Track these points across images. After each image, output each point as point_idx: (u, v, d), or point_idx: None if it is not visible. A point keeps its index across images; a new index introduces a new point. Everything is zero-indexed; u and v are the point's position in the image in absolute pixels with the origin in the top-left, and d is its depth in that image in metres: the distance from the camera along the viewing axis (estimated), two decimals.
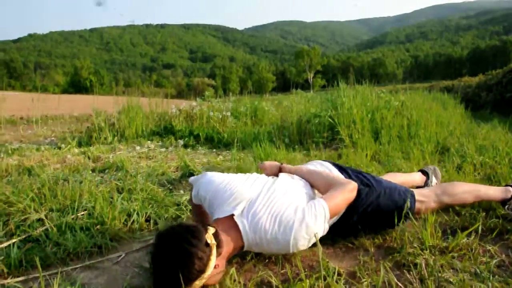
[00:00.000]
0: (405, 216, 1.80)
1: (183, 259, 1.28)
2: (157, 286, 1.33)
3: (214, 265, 1.34)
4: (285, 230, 1.46)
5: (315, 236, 1.48)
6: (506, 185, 2.13)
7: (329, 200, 1.58)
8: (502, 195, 2.04)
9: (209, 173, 1.72)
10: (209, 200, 1.63)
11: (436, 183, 2.44)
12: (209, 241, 1.33)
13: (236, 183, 1.61)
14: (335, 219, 1.74)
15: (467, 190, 2.05)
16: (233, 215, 1.50)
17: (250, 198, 1.56)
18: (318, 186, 1.76)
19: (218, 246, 1.37)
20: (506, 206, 2.00)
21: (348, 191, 1.66)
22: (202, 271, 1.29)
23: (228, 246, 1.44)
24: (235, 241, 1.47)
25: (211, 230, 1.39)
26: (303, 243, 1.49)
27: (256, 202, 1.54)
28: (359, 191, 1.78)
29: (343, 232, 1.84)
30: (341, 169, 1.99)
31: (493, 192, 2.06)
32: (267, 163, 1.98)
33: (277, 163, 1.96)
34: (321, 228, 1.52)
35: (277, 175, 1.85)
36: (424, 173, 2.50)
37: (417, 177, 2.47)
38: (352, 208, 1.76)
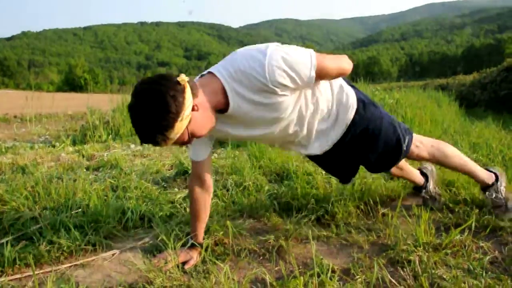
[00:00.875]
0: (399, 153, 1.81)
1: (156, 100, 1.25)
2: (141, 136, 1.31)
3: (192, 105, 1.32)
4: (259, 51, 1.39)
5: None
6: (487, 169, 2.09)
7: (320, 55, 1.48)
8: (485, 177, 2.02)
9: None
10: None
11: (434, 187, 2.36)
12: (180, 81, 1.30)
13: None
14: (322, 95, 1.65)
15: (458, 155, 2.00)
16: (210, 72, 1.46)
17: None
18: None
19: (192, 88, 1.34)
20: (487, 193, 2.01)
21: (344, 59, 1.57)
22: (178, 111, 1.27)
23: (204, 92, 1.40)
24: (212, 88, 1.43)
25: (183, 76, 1.35)
26: (282, 74, 1.37)
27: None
28: (363, 103, 1.74)
29: (334, 157, 1.82)
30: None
31: (479, 170, 2.03)
32: None
33: None
34: (306, 66, 1.41)
35: None
36: (423, 174, 2.39)
37: (417, 175, 2.35)
38: (353, 122, 1.72)
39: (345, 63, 1.57)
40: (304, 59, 1.43)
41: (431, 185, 2.34)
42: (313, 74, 1.44)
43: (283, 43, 1.46)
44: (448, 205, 2.18)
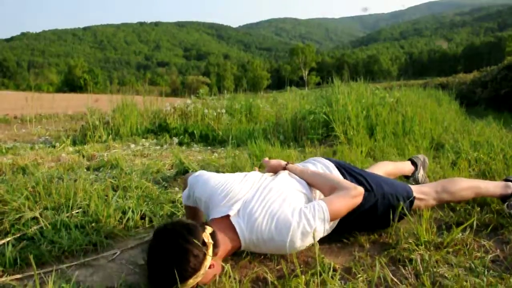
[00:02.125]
0: (400, 217, 1.80)
1: (178, 256, 1.27)
2: (152, 282, 1.33)
3: (210, 264, 1.33)
4: (281, 231, 1.44)
5: (313, 235, 1.46)
6: (506, 180, 2.09)
7: (330, 203, 1.54)
8: (501, 191, 2.00)
9: (205, 174, 1.71)
10: (204, 201, 1.62)
11: (423, 175, 2.45)
12: (206, 240, 1.33)
13: (232, 183, 1.60)
14: (335, 222, 1.71)
15: (467, 187, 2.01)
16: (228, 215, 1.49)
17: (245, 197, 1.55)
18: (322, 189, 1.72)
19: (215, 246, 1.37)
20: (506, 204, 1.96)
21: (352, 196, 1.60)
22: (196, 269, 1.29)
23: (224, 246, 1.43)
24: (231, 241, 1.47)
25: (209, 230, 1.38)
26: (300, 244, 1.47)
27: (252, 201, 1.53)
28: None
29: (337, 231, 1.82)
30: (342, 170, 1.93)
31: (493, 188, 2.03)
32: (273, 160, 1.92)
33: (282, 163, 1.89)
34: (320, 229, 1.50)
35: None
36: (413, 163, 2.51)
37: (406, 167, 2.48)
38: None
39: (353, 200, 1.61)
40: (320, 225, 1.49)
41: (419, 174, 2.43)
42: (327, 227, 1.54)
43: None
44: (449, 203, 2.18)
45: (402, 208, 1.79)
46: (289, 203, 1.53)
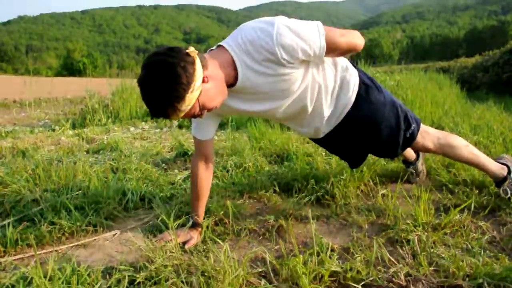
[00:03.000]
0: (404, 143, 1.79)
1: (166, 72, 1.25)
2: (153, 112, 1.32)
3: (202, 77, 1.31)
4: (267, 23, 1.39)
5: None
6: (499, 161, 2.05)
7: (329, 28, 1.46)
8: (497, 170, 1.96)
9: None
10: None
11: (422, 164, 2.42)
12: (189, 52, 1.31)
13: None
14: (335, 63, 1.64)
15: (466, 146, 1.93)
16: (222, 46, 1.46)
17: None
18: None
19: (202, 60, 1.34)
20: (502, 188, 1.95)
21: (356, 34, 1.53)
22: (189, 81, 1.26)
23: (213, 65, 1.39)
24: (221, 60, 1.42)
25: (192, 48, 1.35)
26: (291, 43, 1.37)
27: None
28: (366, 86, 1.72)
29: (344, 143, 1.82)
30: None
31: (490, 163, 1.97)
32: None
33: None
34: (313, 33, 1.41)
35: None
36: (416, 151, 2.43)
37: (411, 153, 2.38)
38: (354, 105, 1.69)
39: (356, 38, 1.53)
40: (312, 28, 1.42)
41: (420, 162, 2.38)
42: (324, 43, 1.42)
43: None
44: (447, 186, 2.19)
45: (412, 132, 1.77)
46: None
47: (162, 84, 1.25)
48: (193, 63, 1.29)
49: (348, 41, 1.50)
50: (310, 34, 1.41)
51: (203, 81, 1.32)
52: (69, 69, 71.00)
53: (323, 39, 1.42)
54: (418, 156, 2.39)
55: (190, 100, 1.29)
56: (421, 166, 2.40)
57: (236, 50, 1.42)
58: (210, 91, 1.36)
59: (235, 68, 1.43)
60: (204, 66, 1.34)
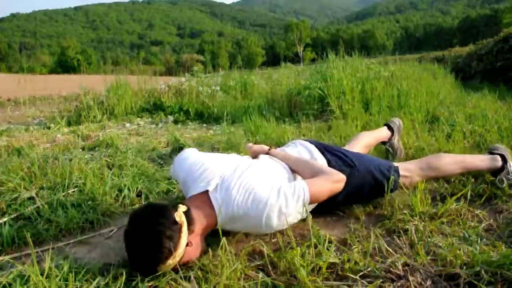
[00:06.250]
0: (390, 190, 1.81)
1: (151, 240, 1.26)
2: (133, 267, 1.32)
3: (186, 243, 1.32)
4: (258, 206, 1.43)
5: (286, 220, 1.46)
6: (490, 152, 2.09)
7: (312, 184, 1.52)
8: (489, 165, 2.01)
9: (185, 153, 1.71)
10: (183, 178, 1.62)
11: (398, 140, 2.51)
12: (177, 219, 1.31)
13: (210, 161, 1.59)
14: (314, 206, 1.71)
15: (452, 162, 2.01)
16: (207, 191, 1.49)
17: (224, 174, 1.53)
18: (304, 174, 1.68)
19: (190, 223, 1.36)
20: (498, 178, 1.97)
21: (334, 181, 1.59)
22: (173, 249, 1.27)
23: (200, 223, 1.42)
24: (207, 217, 1.45)
25: (182, 208, 1.37)
26: (277, 223, 1.45)
27: (230, 177, 1.51)
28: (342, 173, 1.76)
29: (327, 209, 1.83)
30: (323, 150, 1.91)
31: (480, 161, 2.03)
32: (255, 145, 1.92)
33: (265, 147, 1.88)
34: (298, 209, 1.48)
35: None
36: (390, 128, 2.54)
37: (383, 133, 2.51)
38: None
39: (333, 184, 1.59)
40: (299, 205, 1.48)
41: (395, 139, 2.47)
42: (304, 210, 1.50)
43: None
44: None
45: (391, 182, 1.80)
46: (268, 180, 1.53)
47: (146, 251, 1.26)
48: (179, 231, 1.30)
49: (329, 192, 1.59)
50: (296, 211, 1.48)
51: (187, 245, 1.33)
52: (64, 66, 70.60)
53: (306, 205, 1.49)
54: (392, 133, 2.48)
55: (170, 265, 1.29)
56: (397, 143, 2.49)
57: (223, 215, 1.46)
58: (191, 252, 1.36)
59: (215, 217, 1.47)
60: (190, 230, 1.36)
